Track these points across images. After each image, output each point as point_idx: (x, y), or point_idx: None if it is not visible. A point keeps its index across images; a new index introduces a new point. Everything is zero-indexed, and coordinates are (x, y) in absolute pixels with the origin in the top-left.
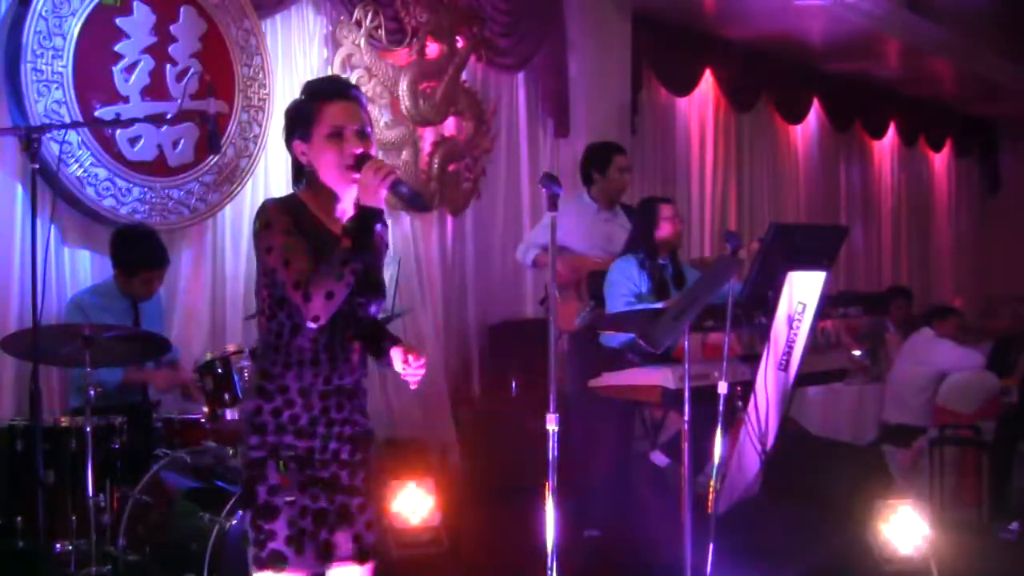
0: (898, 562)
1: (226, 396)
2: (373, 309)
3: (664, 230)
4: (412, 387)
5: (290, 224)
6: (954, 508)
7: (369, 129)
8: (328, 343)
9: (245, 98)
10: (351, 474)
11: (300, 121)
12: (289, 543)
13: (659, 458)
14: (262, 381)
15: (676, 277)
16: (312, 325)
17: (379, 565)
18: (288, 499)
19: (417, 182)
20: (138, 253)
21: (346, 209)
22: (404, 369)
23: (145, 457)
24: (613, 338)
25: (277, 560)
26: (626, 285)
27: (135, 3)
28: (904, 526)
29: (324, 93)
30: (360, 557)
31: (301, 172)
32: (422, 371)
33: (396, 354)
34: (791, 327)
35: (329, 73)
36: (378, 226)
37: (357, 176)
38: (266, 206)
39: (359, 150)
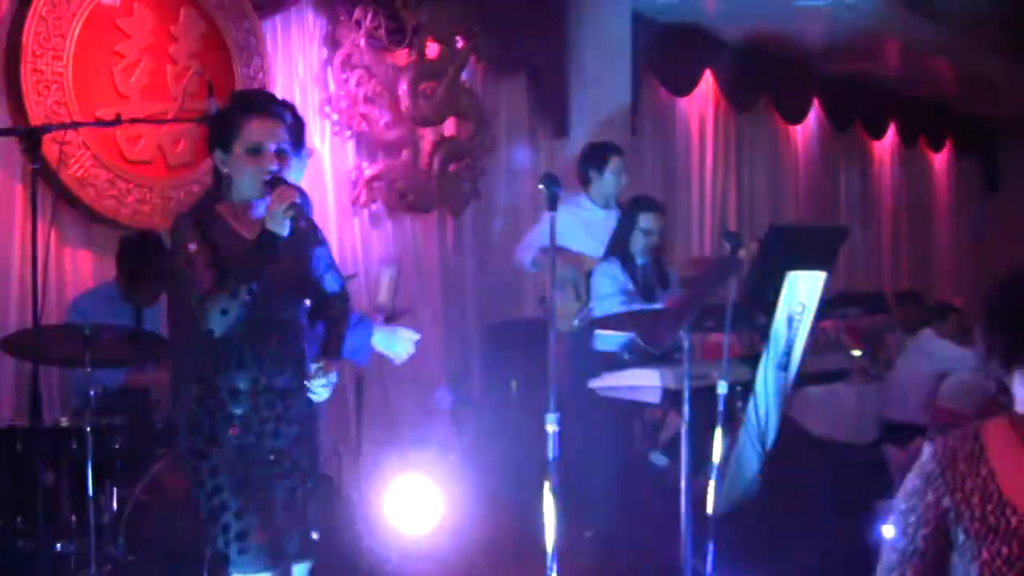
0: None
1: None
2: (302, 308)
3: (637, 243)
4: (313, 398)
5: (199, 237)
6: None
7: (287, 147)
8: (253, 346)
9: None
10: (295, 471)
11: (222, 133)
12: (263, 538)
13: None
14: (197, 383)
15: (660, 278)
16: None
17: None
18: (254, 493)
19: (417, 182)
20: (143, 263)
21: (261, 214)
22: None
23: (145, 457)
24: (608, 341)
25: (263, 552)
26: (613, 286)
27: (135, 4)
28: None
29: (247, 107)
30: (306, 555)
31: (220, 178)
32: (323, 390)
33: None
34: (791, 327)
35: (328, 73)
36: (302, 222)
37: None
38: (178, 220)
39: (275, 167)
